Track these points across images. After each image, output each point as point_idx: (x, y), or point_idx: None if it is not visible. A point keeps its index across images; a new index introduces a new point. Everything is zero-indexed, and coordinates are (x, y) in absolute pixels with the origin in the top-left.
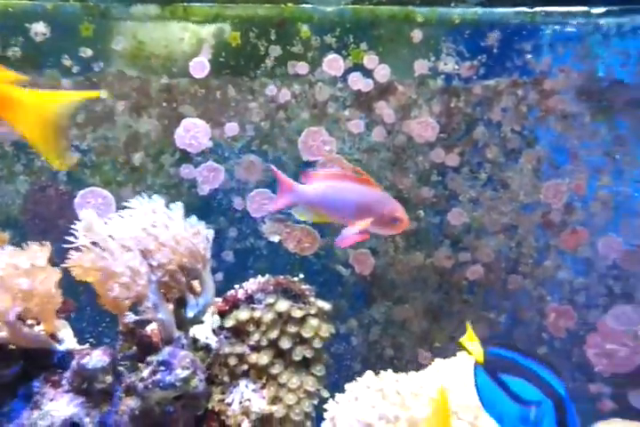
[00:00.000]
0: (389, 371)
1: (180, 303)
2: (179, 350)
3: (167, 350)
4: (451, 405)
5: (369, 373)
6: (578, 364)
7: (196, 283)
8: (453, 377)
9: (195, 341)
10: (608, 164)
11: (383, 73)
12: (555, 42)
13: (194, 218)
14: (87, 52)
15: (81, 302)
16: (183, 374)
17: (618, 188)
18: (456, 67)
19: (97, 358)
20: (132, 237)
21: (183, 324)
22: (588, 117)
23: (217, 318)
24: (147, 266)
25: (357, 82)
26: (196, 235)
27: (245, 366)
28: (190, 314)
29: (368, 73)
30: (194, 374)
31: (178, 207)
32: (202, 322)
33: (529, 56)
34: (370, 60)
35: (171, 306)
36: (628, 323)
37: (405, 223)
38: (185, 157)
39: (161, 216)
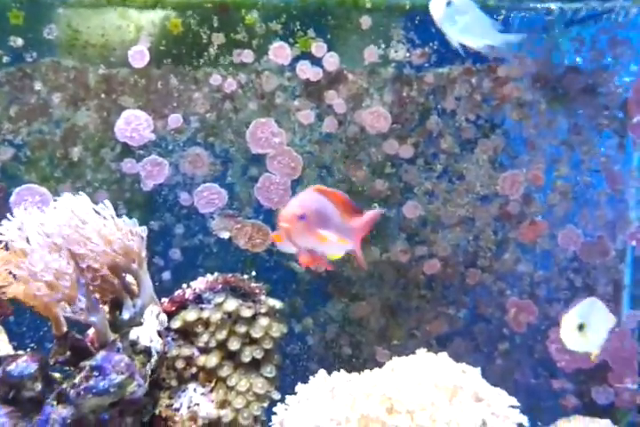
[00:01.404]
0: (342, 371)
1: (116, 305)
2: (113, 354)
3: (101, 354)
4: (406, 403)
5: (321, 372)
6: (540, 359)
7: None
8: (408, 375)
9: (133, 344)
10: (566, 153)
11: (332, 61)
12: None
13: (124, 217)
14: (17, 42)
15: (21, 305)
16: (118, 379)
17: (576, 178)
18: (407, 54)
19: (23, 364)
20: (62, 235)
21: (119, 326)
22: (544, 105)
23: (162, 319)
24: (73, 267)
25: (306, 71)
26: (129, 233)
27: (194, 369)
28: (126, 316)
29: (317, 61)
30: (130, 379)
31: (107, 205)
32: (140, 324)
33: None
34: (318, 47)
35: (105, 308)
36: None
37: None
38: (127, 150)
39: (90, 215)
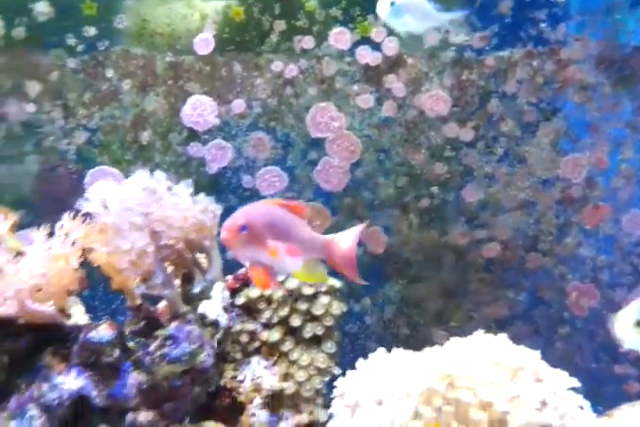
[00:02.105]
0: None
1: (187, 279)
2: (185, 325)
3: (174, 324)
4: (467, 380)
5: (381, 350)
6: (602, 344)
7: (203, 259)
8: (468, 355)
9: (203, 317)
10: (630, 136)
11: (391, 46)
12: (570, 9)
13: (201, 195)
14: (91, 31)
15: (94, 280)
16: (189, 348)
17: None
18: (467, 38)
19: (103, 331)
20: (142, 213)
21: (190, 300)
22: (608, 88)
23: (227, 295)
24: (154, 245)
25: (365, 55)
26: (203, 211)
27: (257, 344)
28: (197, 290)
29: (376, 46)
30: (201, 349)
31: (186, 184)
32: (209, 298)
33: (543, 25)
34: (378, 32)
35: (178, 282)
36: None
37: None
38: (193, 135)
39: (168, 193)
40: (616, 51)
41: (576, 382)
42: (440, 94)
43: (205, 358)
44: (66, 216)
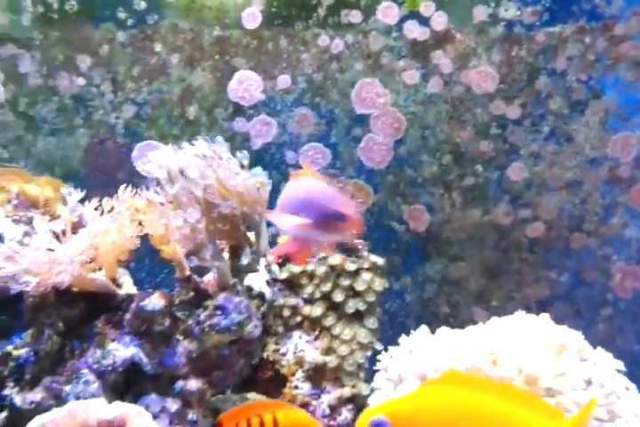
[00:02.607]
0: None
1: (236, 251)
2: (234, 296)
3: (223, 295)
4: (512, 357)
5: (423, 327)
6: None
7: (250, 232)
8: (511, 333)
9: (249, 289)
10: None
11: (440, 20)
12: None
13: (258, 168)
14: (141, 5)
15: (140, 252)
16: (238, 318)
17: None
18: (518, 13)
19: (155, 300)
20: (200, 184)
21: (238, 272)
22: None
23: (273, 269)
24: (207, 218)
25: (413, 30)
26: (260, 184)
27: (299, 318)
28: (245, 261)
29: (424, 21)
30: (248, 320)
31: (243, 156)
32: (256, 271)
33: None
34: (426, 7)
35: (226, 254)
36: None
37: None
38: (238, 110)
39: (228, 163)
40: None
41: (621, 365)
42: (488, 71)
43: (253, 329)
44: (122, 189)
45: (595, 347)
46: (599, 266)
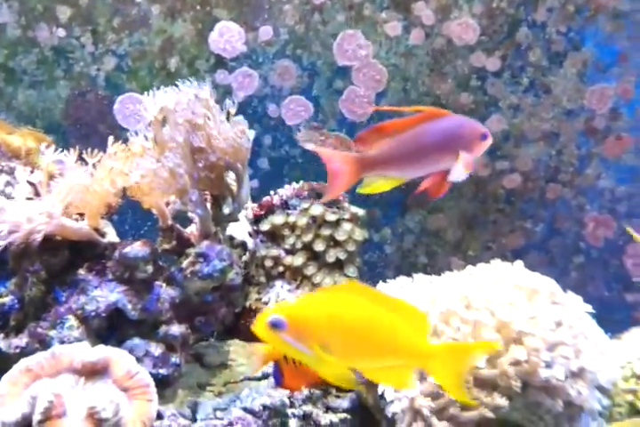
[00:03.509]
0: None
1: (218, 201)
2: (216, 243)
3: (205, 243)
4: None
5: (401, 277)
6: (615, 274)
7: (231, 181)
8: (485, 279)
9: (231, 238)
10: None
11: None
12: None
13: (240, 117)
14: None
15: (123, 205)
16: (220, 265)
17: None
18: None
19: (138, 248)
20: (188, 131)
21: (220, 220)
22: None
23: (251, 218)
24: (190, 163)
25: None
26: (241, 133)
27: (281, 268)
28: (227, 211)
29: None
30: (230, 267)
31: (228, 104)
32: (238, 220)
33: None
34: None
35: (208, 202)
36: None
37: (489, 137)
38: (219, 62)
39: (213, 109)
40: None
41: (589, 308)
42: (469, 22)
43: (234, 276)
44: (110, 141)
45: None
46: (573, 216)
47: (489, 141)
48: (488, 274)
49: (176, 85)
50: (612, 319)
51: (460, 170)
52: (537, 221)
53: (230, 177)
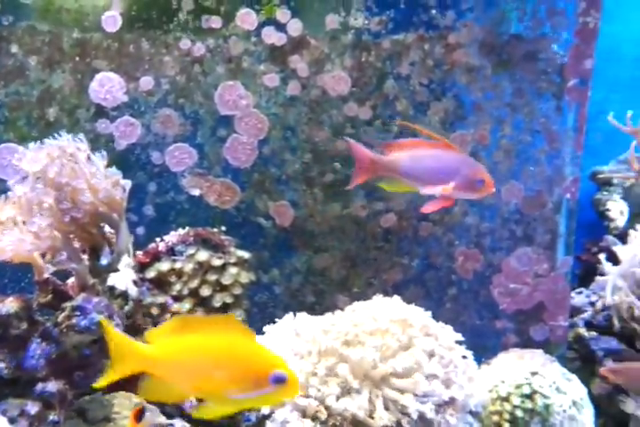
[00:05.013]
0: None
1: (95, 253)
2: (93, 296)
3: (82, 296)
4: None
5: (288, 316)
6: (484, 303)
7: (111, 233)
8: (363, 314)
9: (111, 289)
10: (509, 115)
11: (296, 27)
12: None
13: (112, 168)
14: None
15: None
16: (97, 318)
17: (518, 137)
18: (366, 22)
19: (10, 304)
20: (55, 187)
21: (98, 272)
22: (490, 70)
23: (136, 266)
24: (58, 221)
25: (271, 36)
26: (114, 184)
27: (168, 316)
28: (104, 262)
29: (281, 27)
30: (109, 319)
31: (101, 156)
32: (117, 270)
33: (434, 11)
34: (282, 14)
35: (85, 255)
36: (528, 263)
37: (490, 185)
38: (100, 111)
39: (86, 162)
40: (496, 37)
41: (460, 336)
42: (341, 75)
43: (114, 327)
44: None
45: (445, 323)
46: (444, 251)
47: (485, 189)
48: (366, 310)
49: (54, 137)
50: (485, 346)
51: (436, 191)
52: (413, 257)
53: (108, 228)
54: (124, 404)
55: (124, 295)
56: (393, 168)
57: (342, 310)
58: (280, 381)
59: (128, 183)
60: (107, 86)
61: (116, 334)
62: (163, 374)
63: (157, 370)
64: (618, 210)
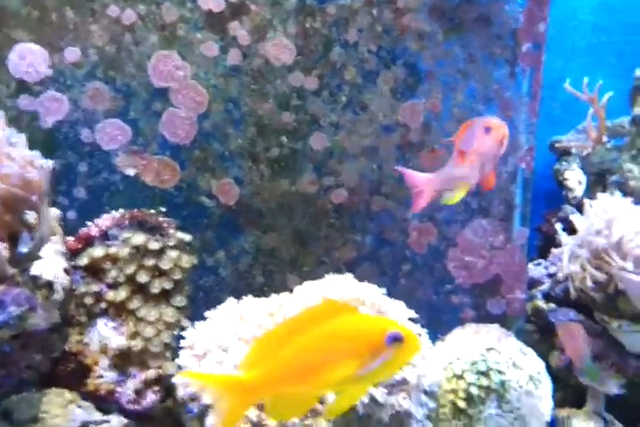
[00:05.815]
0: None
1: (14, 240)
2: (12, 287)
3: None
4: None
5: (231, 300)
6: (440, 277)
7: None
8: (313, 294)
9: (35, 278)
10: (461, 82)
11: None
12: None
13: (36, 151)
14: None
15: None
16: (17, 311)
17: (471, 105)
18: None
19: None
20: None
21: (18, 261)
22: (441, 36)
23: (67, 253)
24: None
25: (207, 1)
26: (29, 164)
27: (103, 305)
28: (24, 249)
29: None
30: (31, 312)
31: (12, 134)
32: (39, 258)
33: None
34: None
35: (2, 244)
36: (484, 236)
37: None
38: (22, 86)
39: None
40: (447, 1)
41: (413, 313)
42: (284, 43)
43: (37, 320)
44: None
45: (400, 299)
46: (398, 226)
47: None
48: (316, 290)
49: None
50: (442, 321)
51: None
52: (365, 234)
53: (29, 213)
54: (54, 401)
55: (50, 285)
56: (443, 179)
57: (293, 289)
58: (397, 340)
59: (48, 163)
60: (28, 59)
61: (210, 377)
62: (278, 388)
63: (271, 387)
64: (576, 180)
